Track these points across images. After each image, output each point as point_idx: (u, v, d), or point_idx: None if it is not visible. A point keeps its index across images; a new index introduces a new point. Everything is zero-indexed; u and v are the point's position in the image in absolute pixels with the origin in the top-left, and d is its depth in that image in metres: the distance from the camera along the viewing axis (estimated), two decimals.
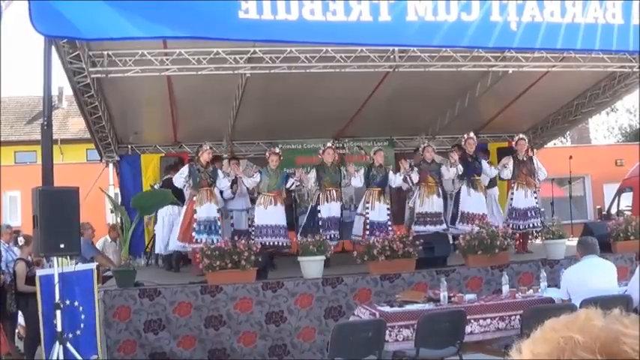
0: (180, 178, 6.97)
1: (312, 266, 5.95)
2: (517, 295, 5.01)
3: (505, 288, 5.17)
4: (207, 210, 6.76)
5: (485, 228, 6.28)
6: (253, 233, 6.94)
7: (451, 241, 7.29)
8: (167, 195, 6.65)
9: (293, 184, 7.33)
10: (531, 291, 5.13)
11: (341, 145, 11.09)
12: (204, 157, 6.92)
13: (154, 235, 9.07)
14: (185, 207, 6.94)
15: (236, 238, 6.46)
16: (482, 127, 10.83)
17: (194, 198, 6.81)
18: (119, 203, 8.55)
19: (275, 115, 9.46)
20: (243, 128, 9.85)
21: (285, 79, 7.88)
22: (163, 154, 10.38)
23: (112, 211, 8.60)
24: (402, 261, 6.03)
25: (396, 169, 7.82)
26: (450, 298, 4.91)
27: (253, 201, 7.39)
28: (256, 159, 10.27)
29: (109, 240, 9.19)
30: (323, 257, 6.02)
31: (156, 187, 8.32)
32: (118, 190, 10.21)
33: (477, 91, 9.01)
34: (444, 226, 7.30)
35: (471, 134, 7.69)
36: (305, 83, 8.25)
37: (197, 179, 6.84)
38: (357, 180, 7.28)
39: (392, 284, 5.90)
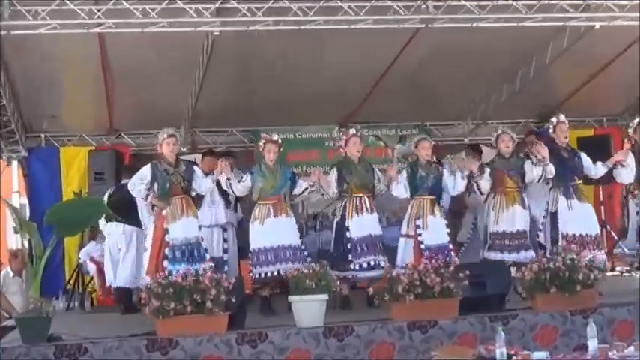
0: (139, 185, 6.90)
1: (310, 309, 5.91)
2: (611, 354, 4.95)
3: (592, 343, 5.08)
4: (184, 227, 6.75)
5: (560, 254, 6.25)
6: (250, 262, 6.94)
7: (513, 273, 7.25)
8: (100, 206, 6.63)
9: (306, 190, 7.24)
10: (632, 348, 5.06)
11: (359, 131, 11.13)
12: (166, 150, 6.88)
13: (79, 264, 9.07)
14: (152, 227, 6.91)
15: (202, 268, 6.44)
16: (554, 109, 10.79)
17: (163, 212, 6.79)
18: (26, 218, 8.50)
19: (255, 93, 9.48)
20: (210, 111, 9.86)
21: (270, 41, 7.87)
22: (93, 148, 10.37)
23: (15, 231, 8.53)
24: (440, 302, 5.99)
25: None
26: (510, 356, 4.85)
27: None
28: (228, 155, 10.22)
29: (11, 273, 9.17)
30: (325, 297, 5.98)
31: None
32: (25, 200, 10.21)
33: (547, 57, 9.03)
34: (532, 252, 7.13)
35: (562, 117, 7.61)
36: (299, 46, 8.25)
37: (165, 185, 6.80)
38: (401, 187, 7.19)
39: (425, 336, 5.85)
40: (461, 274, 6.06)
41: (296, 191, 7.20)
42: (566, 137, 7.52)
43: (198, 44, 7.98)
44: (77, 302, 8.89)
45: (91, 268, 8.98)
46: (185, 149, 10.04)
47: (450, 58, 8.85)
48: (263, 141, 7.17)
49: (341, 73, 9.01)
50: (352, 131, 7.50)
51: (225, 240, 7.71)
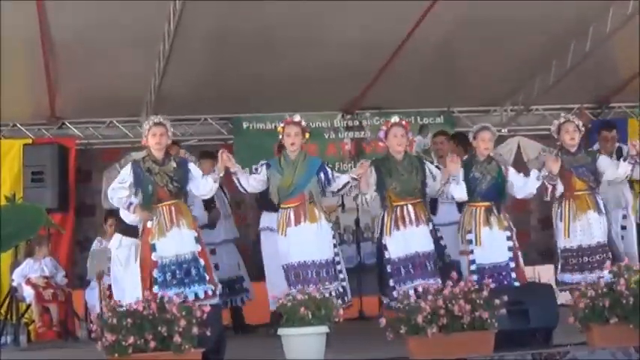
0: (119, 191, 6.87)
1: (305, 345, 5.93)
2: None
3: None
4: (175, 242, 6.75)
5: (621, 275, 6.28)
6: (269, 284, 7.09)
7: (559, 301, 7.31)
8: (39, 214, 6.65)
9: (347, 184, 7.13)
10: None
11: (357, 122, 11.18)
12: (152, 142, 6.86)
13: (12, 288, 9.10)
14: (139, 242, 6.94)
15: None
16: (617, 92, 10.90)
17: (149, 224, 6.80)
18: None
19: (236, 72, 9.52)
20: (178, 94, 9.92)
21: (257, 7, 7.95)
22: (30, 141, 10.42)
23: None
24: (471, 335, 5.96)
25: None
26: None
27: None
28: (201, 148, 10.30)
29: None
30: (324, 329, 6.03)
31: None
32: None
33: (606, 26, 9.04)
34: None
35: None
36: (293, 14, 8.30)
37: (149, 188, 6.79)
38: (462, 188, 7.12)
39: None
40: (497, 301, 6.02)
41: (334, 187, 7.13)
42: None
43: (163, 10, 8.02)
44: (10, 337, 8.91)
45: (28, 293, 9.01)
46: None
47: (481, 28, 8.89)
48: (282, 124, 7.11)
49: (345, 47, 9.05)
50: (395, 119, 7.25)
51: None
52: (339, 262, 7.07)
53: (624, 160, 7.35)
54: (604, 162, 7.43)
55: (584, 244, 7.26)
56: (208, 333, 5.74)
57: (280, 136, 7.11)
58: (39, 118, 10.58)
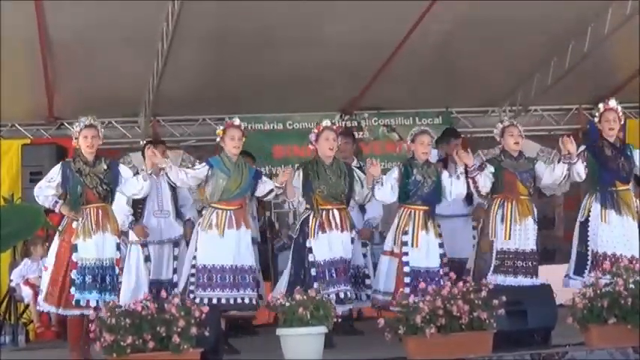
0: (45, 190, 6.85)
1: (304, 345, 5.95)
2: None
3: None
4: (97, 246, 6.73)
5: (620, 275, 6.29)
6: (193, 283, 6.87)
7: (558, 302, 7.31)
8: (37, 215, 6.65)
9: (271, 192, 7.21)
10: None
11: (356, 122, 11.17)
12: (83, 144, 6.84)
13: (11, 289, 9.10)
14: (55, 242, 6.92)
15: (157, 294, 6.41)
16: (616, 92, 10.88)
17: (73, 225, 6.79)
18: None
19: (235, 72, 9.51)
20: (176, 94, 9.93)
21: (255, 7, 7.95)
22: (28, 141, 10.41)
23: None
24: (469, 336, 5.98)
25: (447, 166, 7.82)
26: None
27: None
28: (200, 149, 10.30)
29: None
30: (323, 329, 6.03)
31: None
32: None
33: (605, 26, 9.06)
34: (538, 279, 7.21)
35: (611, 103, 7.63)
36: (291, 13, 8.30)
37: (77, 189, 6.78)
38: (386, 190, 7.16)
39: None
40: (495, 301, 6.05)
41: (258, 192, 7.18)
42: (612, 129, 7.49)
43: (162, 10, 8.03)
44: (8, 337, 8.90)
45: (26, 293, 9.01)
46: (143, 141, 10.05)
47: (480, 28, 8.91)
48: (225, 126, 7.07)
49: (344, 47, 9.06)
50: (326, 122, 7.23)
51: (175, 258, 7.68)
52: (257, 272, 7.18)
53: (558, 162, 7.34)
54: (540, 167, 7.42)
55: (520, 248, 7.24)
56: (207, 333, 5.76)
57: (218, 139, 7.07)
58: (37, 119, 10.58)
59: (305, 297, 6.04)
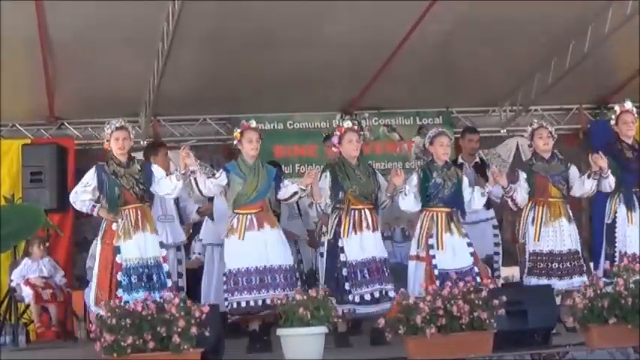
0: (82, 195, 6.83)
1: (305, 345, 5.93)
2: None
3: None
4: (138, 246, 6.73)
5: (620, 274, 6.28)
6: (225, 287, 6.90)
7: (558, 301, 7.31)
8: (38, 214, 6.65)
9: (295, 194, 7.15)
10: None
11: (357, 122, 11.18)
12: (115, 146, 6.85)
13: (11, 289, 9.10)
14: (98, 245, 6.91)
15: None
16: (616, 92, 10.90)
17: (113, 227, 6.78)
18: None
19: (235, 71, 9.51)
20: (177, 94, 9.94)
21: (256, 6, 7.95)
22: (29, 141, 10.40)
23: None
24: (469, 336, 5.96)
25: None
26: None
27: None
28: (200, 149, 10.29)
29: None
30: (323, 329, 6.03)
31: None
32: None
33: (606, 26, 9.05)
34: (584, 277, 7.14)
35: (628, 104, 7.63)
36: (292, 13, 8.29)
37: (114, 191, 6.78)
38: (410, 200, 7.12)
39: None
40: (496, 302, 6.03)
41: (281, 195, 7.14)
42: (630, 130, 7.54)
43: (162, 10, 8.03)
44: (9, 337, 8.91)
45: (27, 293, 9.01)
46: (145, 141, 10.08)
47: (480, 28, 8.90)
48: (241, 129, 7.06)
49: (344, 47, 9.06)
50: (347, 124, 7.30)
51: (179, 262, 7.69)
52: (298, 270, 7.15)
53: (588, 177, 7.37)
54: (574, 174, 7.46)
55: (556, 249, 7.28)
56: (207, 333, 5.76)
57: (235, 142, 7.07)
58: (38, 118, 10.58)
59: (305, 297, 6.03)
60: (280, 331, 6.04)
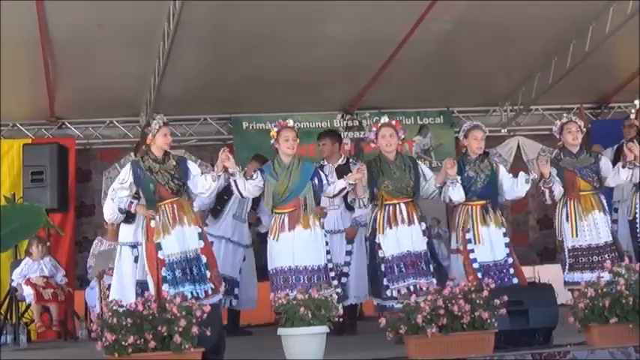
0: (120, 191, 6.83)
1: (305, 345, 5.93)
2: None
3: None
4: (178, 240, 6.70)
5: (620, 274, 6.28)
6: (271, 285, 6.90)
7: (559, 300, 7.30)
8: (39, 214, 6.65)
9: (343, 190, 7.11)
10: None
11: (358, 122, 11.19)
12: (163, 142, 6.82)
13: (12, 288, 9.10)
14: (143, 245, 6.86)
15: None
16: (616, 91, 10.91)
17: (152, 224, 6.75)
18: None
19: (236, 71, 9.51)
20: (178, 94, 9.94)
21: (256, 6, 7.95)
22: (30, 141, 10.41)
23: None
24: (470, 336, 5.96)
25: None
26: None
27: None
28: (201, 149, 10.30)
29: None
30: (324, 329, 6.03)
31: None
32: None
33: (606, 26, 9.07)
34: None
35: None
36: (292, 12, 8.30)
37: (150, 187, 6.76)
38: (459, 189, 7.11)
39: None
40: (497, 301, 6.02)
41: (329, 192, 7.12)
42: None
43: (162, 10, 8.04)
44: (10, 337, 8.90)
45: (28, 292, 9.01)
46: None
47: (481, 28, 8.92)
48: (276, 129, 7.03)
49: (345, 47, 9.07)
50: (384, 119, 7.28)
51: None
52: (332, 269, 7.07)
53: (622, 167, 7.37)
54: (606, 166, 7.44)
55: (593, 243, 7.29)
56: (209, 333, 5.77)
57: (273, 141, 7.05)
58: (38, 118, 10.58)
59: (306, 296, 6.03)
60: (281, 331, 6.04)
